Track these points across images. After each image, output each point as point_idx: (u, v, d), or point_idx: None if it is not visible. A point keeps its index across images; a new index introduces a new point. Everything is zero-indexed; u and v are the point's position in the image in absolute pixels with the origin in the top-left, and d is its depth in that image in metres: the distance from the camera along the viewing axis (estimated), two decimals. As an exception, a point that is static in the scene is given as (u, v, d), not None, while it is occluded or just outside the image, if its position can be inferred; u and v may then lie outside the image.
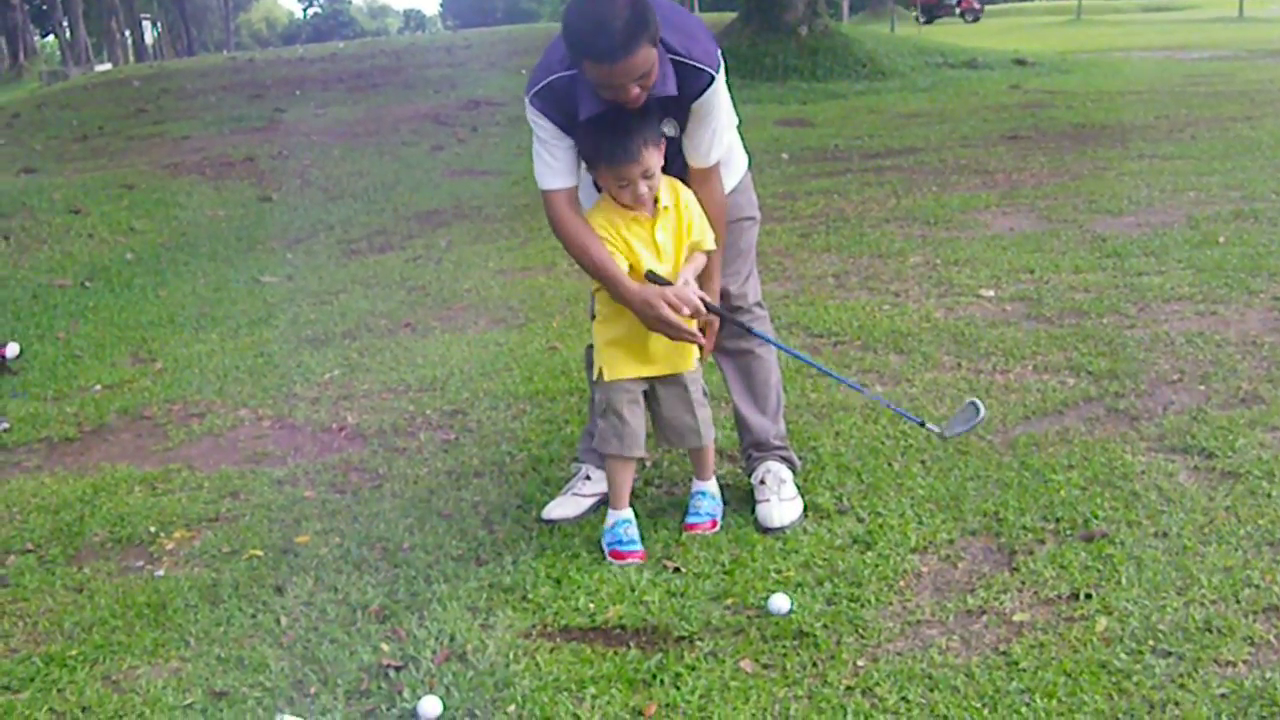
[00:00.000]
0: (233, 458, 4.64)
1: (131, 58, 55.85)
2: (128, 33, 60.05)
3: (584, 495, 3.81)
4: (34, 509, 4.22)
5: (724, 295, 3.59)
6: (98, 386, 5.73)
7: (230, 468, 4.51)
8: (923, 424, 3.68)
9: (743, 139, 3.73)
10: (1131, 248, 6.65)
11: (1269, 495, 3.48)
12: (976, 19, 46.22)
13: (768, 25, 19.35)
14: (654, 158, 3.25)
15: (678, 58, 3.18)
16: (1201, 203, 7.84)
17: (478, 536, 3.66)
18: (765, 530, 3.51)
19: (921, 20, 46.71)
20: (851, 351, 5.22)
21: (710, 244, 3.43)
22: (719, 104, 3.32)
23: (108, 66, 43.75)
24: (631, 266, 3.35)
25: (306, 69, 23.75)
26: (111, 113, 18.95)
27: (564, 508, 3.77)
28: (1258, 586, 2.97)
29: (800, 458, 3.92)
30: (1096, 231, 7.20)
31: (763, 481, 3.67)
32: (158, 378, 5.78)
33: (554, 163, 3.32)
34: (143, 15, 66.62)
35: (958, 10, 47.22)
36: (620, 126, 3.20)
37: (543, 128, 3.29)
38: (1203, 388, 4.46)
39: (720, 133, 3.37)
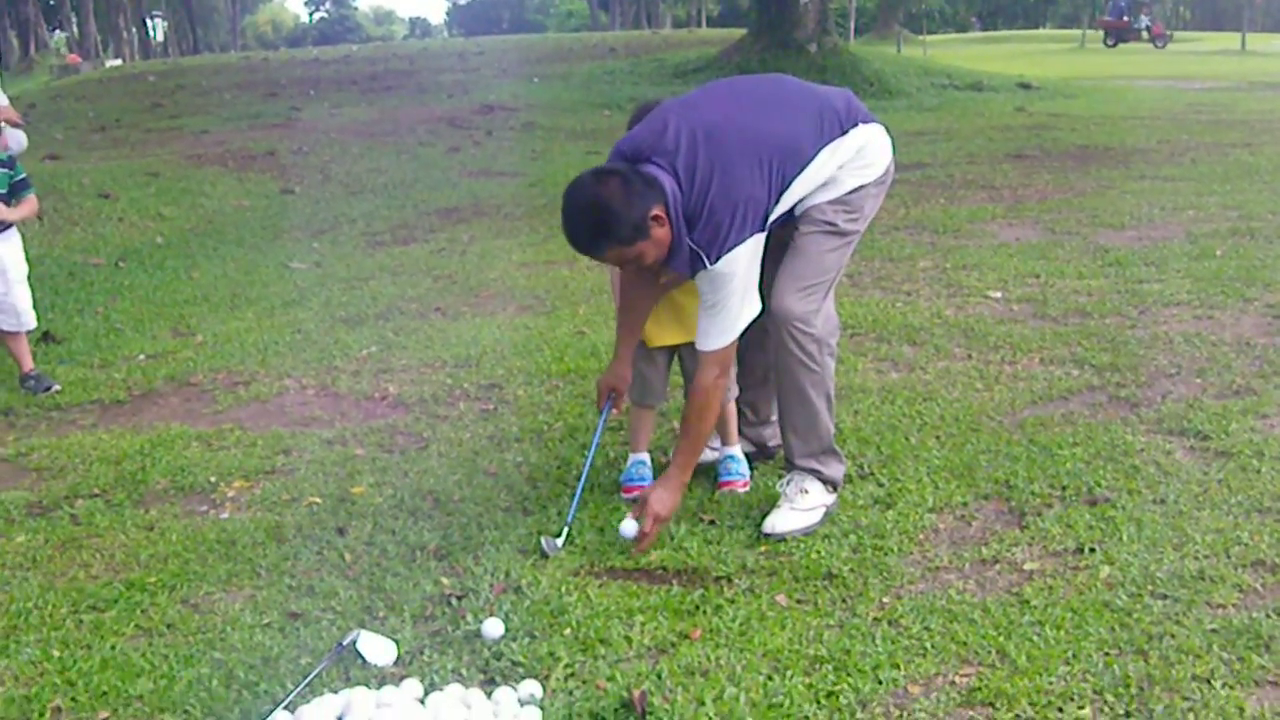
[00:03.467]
0: (282, 420, 4.89)
1: (137, 55, 56.17)
2: (134, 30, 60.39)
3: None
4: (96, 460, 4.46)
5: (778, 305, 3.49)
6: (141, 356, 5.97)
7: (281, 429, 4.76)
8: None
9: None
10: (1132, 258, 6.94)
11: (1259, 471, 3.76)
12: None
13: (777, 42, 19.70)
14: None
15: (688, 240, 3.26)
16: (1200, 220, 8.14)
17: (522, 491, 3.92)
18: (762, 534, 3.47)
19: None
20: (867, 343, 5.49)
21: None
22: (714, 285, 3.29)
23: (118, 62, 44.16)
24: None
25: (320, 70, 24.10)
26: (128, 106, 19.25)
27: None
28: (1246, 544, 3.25)
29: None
30: (1099, 243, 7.49)
31: (783, 489, 3.62)
32: (199, 350, 6.03)
33: None
34: (151, 13, 67.01)
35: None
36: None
37: None
38: (1199, 380, 4.74)
39: (718, 315, 3.32)
